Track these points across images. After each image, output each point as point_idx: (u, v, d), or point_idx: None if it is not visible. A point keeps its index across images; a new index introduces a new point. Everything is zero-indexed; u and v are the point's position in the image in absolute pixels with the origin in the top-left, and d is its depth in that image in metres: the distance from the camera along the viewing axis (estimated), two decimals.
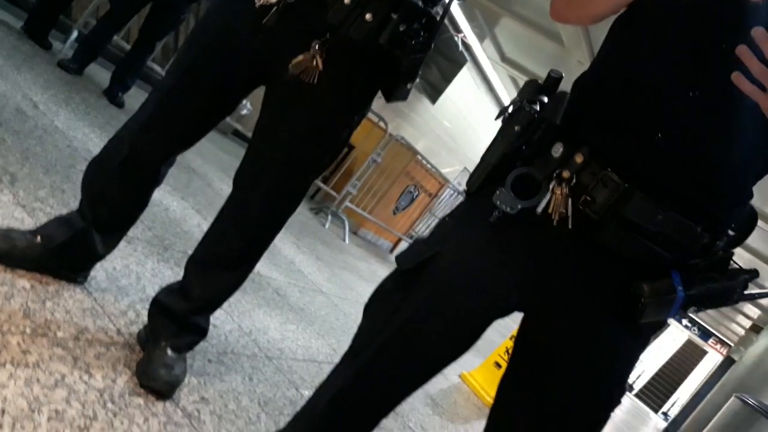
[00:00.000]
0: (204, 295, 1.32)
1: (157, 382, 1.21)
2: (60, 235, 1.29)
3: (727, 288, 0.79)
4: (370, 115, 5.42)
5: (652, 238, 0.78)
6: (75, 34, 3.67)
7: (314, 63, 1.11)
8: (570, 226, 0.80)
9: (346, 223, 5.22)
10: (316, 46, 1.10)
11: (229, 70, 1.20)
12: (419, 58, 1.15)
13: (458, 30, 7.04)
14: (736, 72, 0.69)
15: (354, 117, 1.27)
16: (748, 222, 0.85)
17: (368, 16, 1.07)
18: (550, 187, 0.80)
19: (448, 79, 8.00)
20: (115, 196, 1.30)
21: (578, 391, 0.84)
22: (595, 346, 0.84)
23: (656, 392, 20.16)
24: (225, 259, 1.32)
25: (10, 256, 1.24)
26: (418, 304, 0.88)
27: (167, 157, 1.31)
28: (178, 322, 1.29)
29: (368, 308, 0.95)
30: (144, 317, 1.46)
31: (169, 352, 1.26)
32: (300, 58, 1.11)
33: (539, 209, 0.81)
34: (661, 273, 0.79)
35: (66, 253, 1.30)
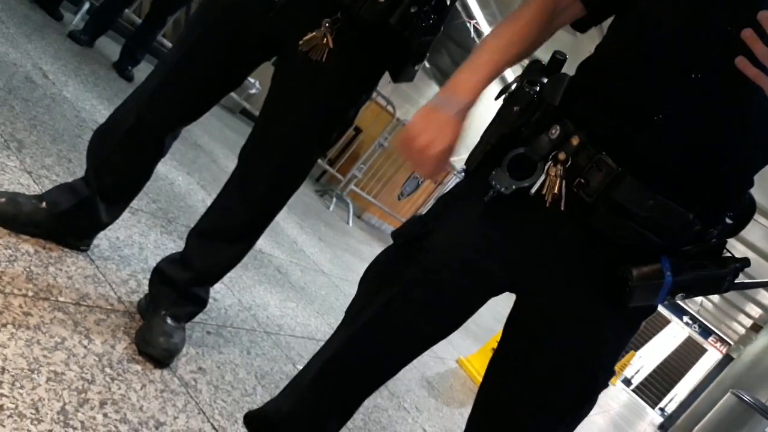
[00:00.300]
0: (205, 266, 1.34)
1: (155, 349, 1.23)
2: (65, 201, 1.31)
3: (716, 275, 0.79)
4: (378, 99, 5.40)
5: (642, 222, 0.78)
6: (86, 6, 3.66)
7: (324, 41, 1.11)
8: (562, 208, 0.80)
9: (351, 206, 5.23)
10: (327, 24, 1.11)
11: (237, 46, 1.21)
12: (428, 40, 1.16)
13: (471, 16, 6.97)
14: (740, 56, 0.68)
15: (361, 96, 1.27)
16: (746, 211, 0.85)
17: None
18: (545, 168, 0.81)
19: (458, 65, 7.93)
20: (119, 165, 1.31)
21: (563, 372, 0.85)
22: (581, 328, 0.84)
23: (654, 388, 20.22)
24: (228, 231, 1.34)
25: (15, 220, 1.26)
26: (409, 277, 0.89)
27: (173, 128, 1.32)
28: (178, 291, 1.31)
29: (363, 280, 0.97)
30: (145, 287, 1.47)
31: (169, 320, 1.28)
32: (310, 35, 1.11)
33: (533, 190, 0.81)
34: (650, 258, 0.79)
35: (70, 219, 1.32)
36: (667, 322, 20.89)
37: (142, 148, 1.31)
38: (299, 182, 1.34)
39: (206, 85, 1.26)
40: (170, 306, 1.29)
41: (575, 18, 0.93)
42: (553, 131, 0.81)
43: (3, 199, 1.27)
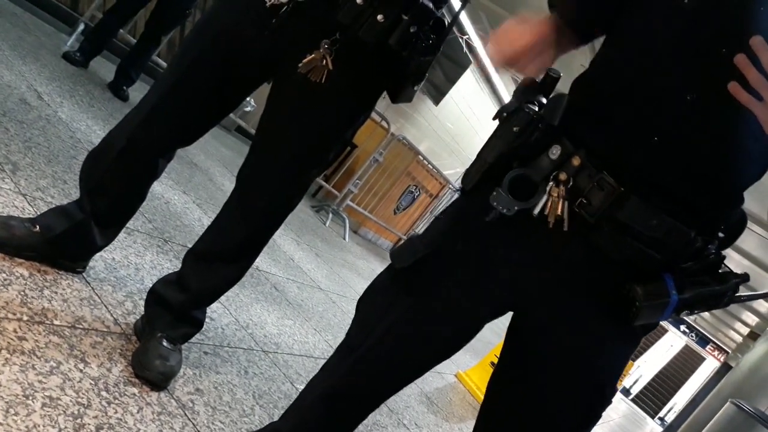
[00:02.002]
0: (201, 288, 1.33)
1: (151, 373, 1.22)
2: (58, 225, 1.30)
3: (718, 292, 0.80)
4: (373, 114, 5.41)
5: (645, 241, 0.78)
6: (81, 26, 3.68)
7: (324, 62, 1.11)
8: (566, 229, 0.80)
9: (347, 221, 5.22)
10: (326, 46, 1.11)
11: (233, 68, 1.20)
12: (427, 60, 1.15)
13: (462, 32, 7.04)
14: (732, 82, 0.69)
15: (359, 116, 1.28)
16: (737, 225, 0.85)
17: (380, 17, 1.07)
18: (547, 189, 0.81)
19: (451, 80, 7.99)
20: (112, 188, 1.31)
21: (565, 390, 0.84)
22: (584, 346, 0.84)
23: (653, 397, 20.13)
24: (225, 252, 1.33)
25: (8, 244, 1.25)
26: (412, 304, 0.88)
27: (166, 151, 1.32)
28: (173, 313, 1.30)
29: (362, 302, 0.96)
30: (141, 308, 1.46)
31: (165, 342, 1.27)
32: (310, 57, 1.11)
33: (536, 211, 0.81)
34: (653, 275, 0.79)
35: (64, 243, 1.31)
36: (664, 331, 20.88)
37: (134, 171, 1.30)
38: (296, 202, 1.34)
39: (201, 108, 1.26)
40: (166, 328, 1.29)
41: (571, 47, 0.95)
42: (554, 151, 0.81)
43: None
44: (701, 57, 0.79)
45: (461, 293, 0.87)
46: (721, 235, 0.81)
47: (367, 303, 0.96)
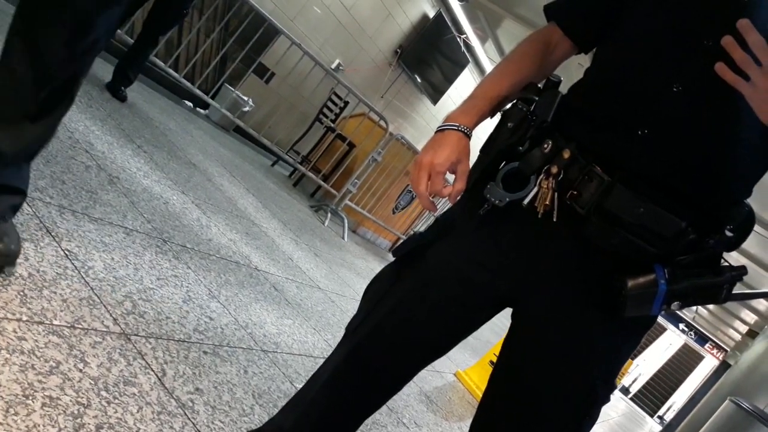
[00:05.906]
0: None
1: None
2: None
3: (713, 284, 0.79)
4: (371, 114, 5.43)
5: (633, 230, 0.79)
6: None
7: None
8: (555, 219, 0.81)
9: (346, 221, 5.22)
10: None
11: None
12: None
13: (460, 31, 7.05)
14: (719, 63, 0.70)
15: None
16: (745, 222, 0.83)
17: None
18: (538, 180, 0.83)
19: (449, 79, 8.01)
20: None
21: (555, 388, 0.84)
22: (577, 340, 0.84)
23: (652, 396, 20.17)
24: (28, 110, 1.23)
25: None
26: (407, 289, 0.91)
27: None
28: None
29: (365, 293, 0.98)
30: (141, 308, 1.47)
31: None
32: None
33: (525, 202, 0.83)
34: (645, 268, 0.79)
35: None
36: (663, 329, 20.90)
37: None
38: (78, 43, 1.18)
39: None
40: None
41: (569, 54, 0.97)
42: (545, 145, 0.84)
43: None
44: (685, 49, 0.80)
45: (452, 282, 0.89)
46: (729, 234, 0.80)
47: (368, 291, 0.98)
